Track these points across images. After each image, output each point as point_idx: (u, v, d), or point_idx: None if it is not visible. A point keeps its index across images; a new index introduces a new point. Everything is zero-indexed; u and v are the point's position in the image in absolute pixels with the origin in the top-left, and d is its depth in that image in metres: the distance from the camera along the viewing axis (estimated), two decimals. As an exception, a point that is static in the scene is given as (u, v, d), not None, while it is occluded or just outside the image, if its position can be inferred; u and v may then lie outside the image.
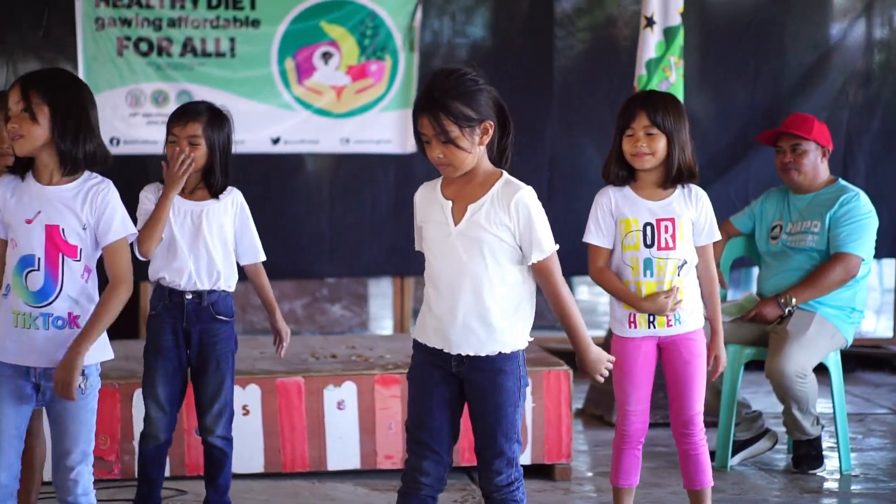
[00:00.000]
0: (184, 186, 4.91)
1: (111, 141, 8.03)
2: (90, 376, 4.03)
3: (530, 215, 3.92)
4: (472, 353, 3.94)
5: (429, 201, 3.99)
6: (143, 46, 8.17)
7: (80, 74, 8.06)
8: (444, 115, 3.85)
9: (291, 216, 8.56)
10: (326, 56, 8.38)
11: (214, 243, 4.93)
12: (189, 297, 4.92)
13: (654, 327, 4.83)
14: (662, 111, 4.76)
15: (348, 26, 8.37)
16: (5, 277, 3.96)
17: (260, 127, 8.33)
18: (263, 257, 5.08)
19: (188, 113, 4.96)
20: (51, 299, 3.94)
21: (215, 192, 4.96)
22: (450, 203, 3.94)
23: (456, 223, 3.92)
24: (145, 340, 5.04)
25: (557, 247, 3.99)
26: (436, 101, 3.86)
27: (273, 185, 8.51)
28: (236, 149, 8.16)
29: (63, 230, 3.95)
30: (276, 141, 8.38)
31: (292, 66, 8.34)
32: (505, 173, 3.98)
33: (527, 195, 3.93)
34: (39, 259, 3.93)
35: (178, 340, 4.95)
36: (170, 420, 5.01)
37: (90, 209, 3.99)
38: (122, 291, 3.98)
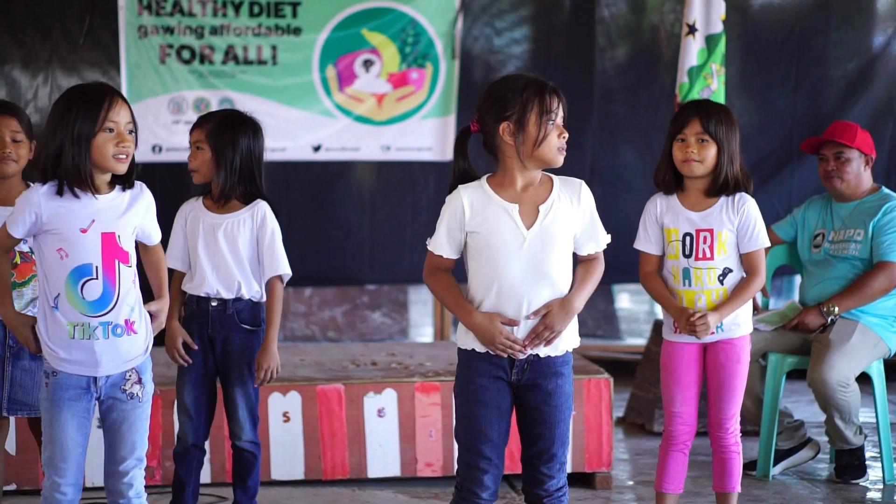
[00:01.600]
0: (210, 197, 4.96)
1: (153, 148, 8.08)
2: (146, 384, 4.05)
3: (593, 207, 4.03)
4: (545, 355, 3.95)
5: (485, 207, 3.94)
6: (186, 54, 8.21)
7: (123, 82, 8.11)
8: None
9: (332, 223, 8.57)
10: (367, 63, 8.39)
11: (231, 255, 4.93)
12: (214, 304, 4.94)
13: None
14: (716, 120, 4.78)
15: (389, 34, 8.38)
16: (55, 288, 3.93)
17: (301, 134, 8.35)
18: (282, 272, 4.98)
19: (199, 119, 5.01)
20: (109, 307, 3.94)
21: (226, 201, 4.95)
22: (516, 206, 3.93)
23: (528, 226, 3.91)
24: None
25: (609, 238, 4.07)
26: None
27: (314, 192, 8.53)
28: (277, 156, 8.26)
29: (119, 237, 3.96)
30: (317, 148, 8.39)
31: (333, 73, 8.36)
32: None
33: (586, 187, 4.03)
34: (97, 268, 3.92)
35: (205, 346, 4.97)
36: (197, 425, 5.02)
37: (140, 213, 4.03)
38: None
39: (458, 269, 4.07)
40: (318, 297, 10.68)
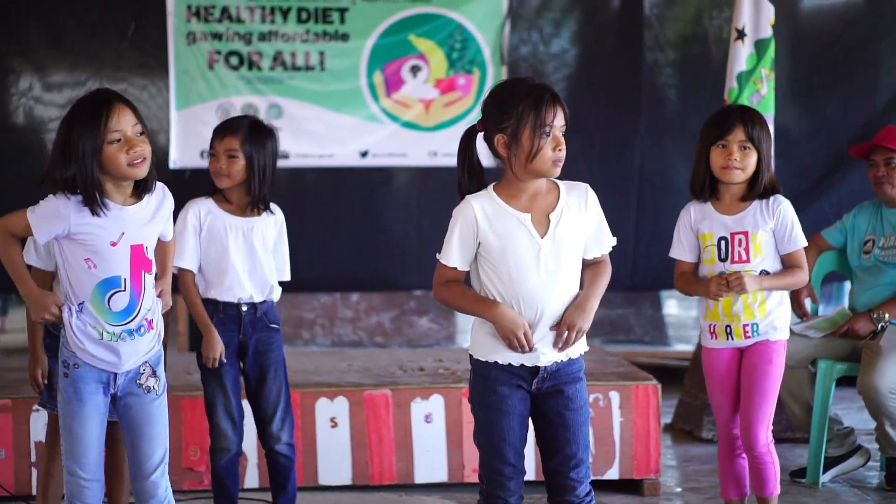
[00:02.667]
0: (232, 201, 4.97)
1: (201, 154, 8.11)
2: (160, 377, 4.07)
3: (600, 210, 4.02)
4: (563, 359, 3.95)
5: (498, 217, 3.93)
6: (234, 60, 8.25)
7: (171, 88, 8.16)
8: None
9: (379, 229, 8.59)
10: (415, 69, 8.40)
11: (265, 257, 4.99)
12: (244, 308, 4.96)
13: (732, 339, 4.83)
14: (758, 127, 4.77)
15: (437, 40, 8.39)
16: (80, 295, 3.93)
17: (348, 140, 8.38)
18: (287, 277, 5.12)
19: (228, 127, 5.00)
20: (133, 316, 3.96)
21: (254, 206, 4.98)
22: (528, 216, 3.93)
23: (542, 235, 3.90)
24: (197, 354, 5.04)
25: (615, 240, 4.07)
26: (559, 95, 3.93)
27: (361, 198, 8.54)
28: (325, 162, 8.28)
29: (146, 247, 3.98)
30: (364, 154, 8.41)
31: (381, 79, 8.38)
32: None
33: (592, 191, 4.01)
34: (125, 280, 3.93)
35: (234, 351, 4.99)
36: (240, 431, 5.05)
37: (164, 218, 4.06)
38: None
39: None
40: (365, 302, 10.68)
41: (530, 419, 4.03)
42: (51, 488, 4.90)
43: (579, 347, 4.03)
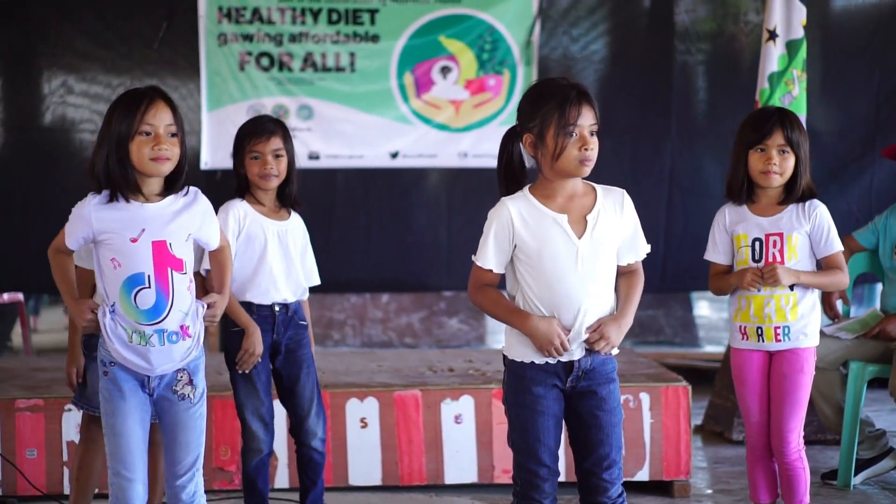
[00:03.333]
0: (263, 202, 5.00)
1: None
2: (198, 385, 4.07)
3: (636, 216, 4.01)
4: (602, 356, 3.95)
5: (534, 218, 3.92)
6: (265, 61, 8.28)
7: (203, 89, 8.20)
8: (596, 107, 3.90)
9: (409, 230, 8.60)
10: (445, 70, 8.41)
11: (298, 260, 5.02)
12: (278, 308, 4.98)
13: (763, 341, 4.80)
14: (797, 131, 4.75)
15: (467, 41, 8.40)
16: (111, 296, 3.96)
17: (379, 141, 8.39)
18: (318, 281, 5.15)
19: (266, 128, 5.01)
20: (163, 315, 3.95)
21: (290, 204, 5.03)
22: (564, 217, 3.92)
23: (579, 236, 3.90)
24: (226, 354, 5.05)
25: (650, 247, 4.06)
26: (590, 93, 3.90)
27: (391, 199, 8.56)
28: (355, 163, 8.30)
29: (170, 244, 3.97)
30: (394, 155, 8.42)
31: (411, 80, 8.39)
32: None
33: (628, 196, 4.00)
34: (149, 276, 3.93)
35: (266, 353, 5.00)
36: (272, 432, 5.05)
37: (193, 219, 4.04)
38: None
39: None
40: (395, 303, 10.70)
41: (564, 420, 4.03)
42: (82, 482, 4.93)
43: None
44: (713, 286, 4.97)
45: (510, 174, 4.00)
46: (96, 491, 5.02)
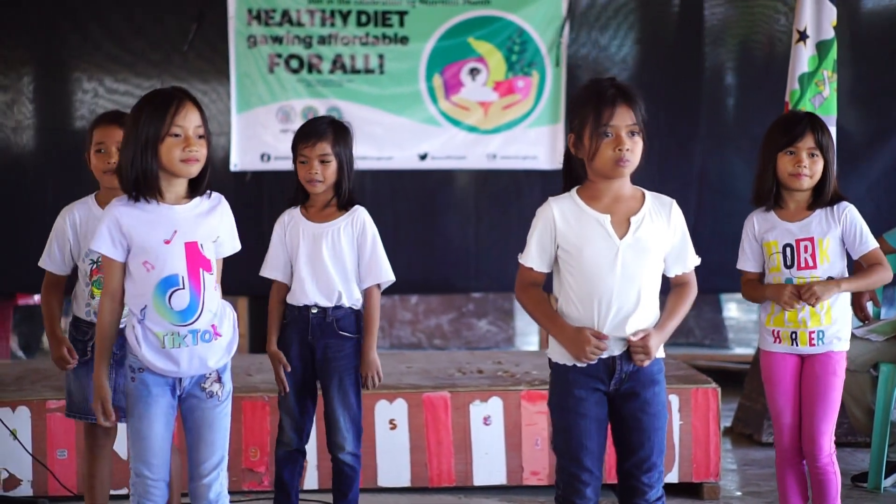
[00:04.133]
0: (313, 205, 4.98)
1: (262, 157, 8.16)
2: (225, 383, 4.08)
3: (684, 227, 4.00)
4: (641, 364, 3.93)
5: (576, 218, 3.93)
6: (294, 63, 8.29)
7: (232, 91, 8.22)
8: (639, 106, 3.89)
9: (438, 231, 8.60)
10: (474, 72, 8.41)
11: (332, 264, 4.93)
12: (314, 311, 4.97)
13: (797, 345, 4.76)
14: (826, 135, 4.74)
15: (496, 42, 8.40)
16: (142, 300, 3.96)
17: (408, 143, 8.40)
18: (385, 279, 5.00)
19: (315, 132, 4.98)
20: (196, 315, 3.96)
21: (343, 206, 4.98)
22: (607, 217, 3.92)
23: (621, 237, 3.89)
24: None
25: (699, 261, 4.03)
26: (632, 91, 3.90)
27: (420, 200, 8.56)
28: (384, 165, 8.31)
29: (201, 245, 3.98)
30: (423, 157, 8.43)
31: (440, 82, 8.39)
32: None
33: (677, 206, 4.00)
34: (183, 278, 3.94)
35: (305, 352, 4.99)
36: (299, 428, 5.02)
37: (219, 222, 4.05)
38: None
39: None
40: (424, 304, 10.72)
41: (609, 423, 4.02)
42: (97, 489, 4.94)
43: (661, 350, 4.01)
44: (747, 294, 4.93)
45: (570, 173, 4.01)
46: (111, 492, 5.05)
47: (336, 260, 4.94)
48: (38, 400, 5.80)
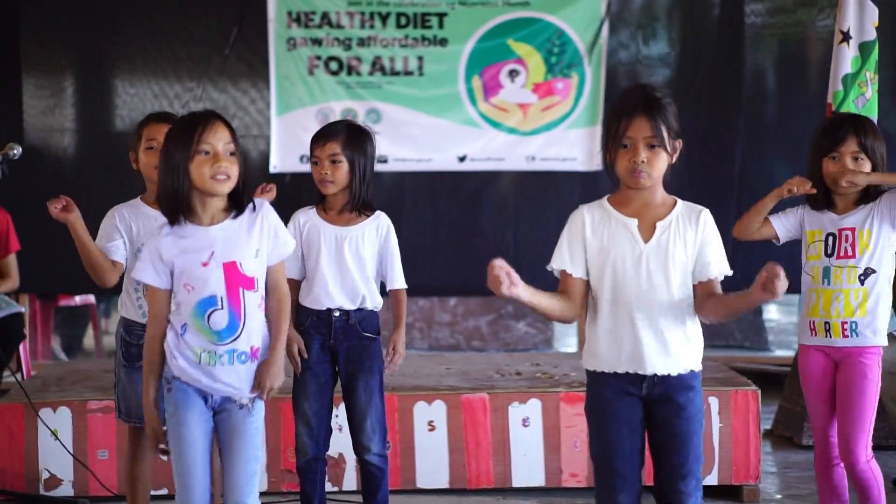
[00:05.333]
0: (332, 208, 4.98)
1: (301, 158, 8.19)
2: (256, 398, 4.07)
3: (715, 233, 3.95)
4: (669, 373, 3.90)
5: (604, 222, 3.94)
6: (333, 66, 8.31)
7: (272, 93, 8.25)
8: (662, 118, 3.85)
9: (477, 233, 8.60)
10: (513, 74, 8.41)
11: (355, 267, 4.94)
12: (336, 314, 4.96)
13: (830, 336, 4.75)
14: (871, 136, 4.72)
15: (535, 44, 8.39)
16: (183, 318, 3.97)
17: (447, 145, 8.41)
18: (401, 286, 5.04)
19: (327, 133, 4.99)
20: (236, 335, 3.97)
21: (356, 209, 4.98)
22: (635, 221, 3.92)
23: (646, 240, 3.89)
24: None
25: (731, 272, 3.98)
26: (656, 103, 3.86)
27: (459, 202, 8.56)
28: (423, 167, 8.31)
29: (240, 264, 3.97)
30: (462, 158, 8.43)
31: (479, 83, 8.39)
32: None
33: (709, 214, 3.96)
34: (222, 298, 3.94)
35: (325, 356, 4.99)
36: (316, 435, 5.01)
37: (261, 233, 4.02)
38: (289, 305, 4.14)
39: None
40: (462, 306, 10.71)
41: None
42: (139, 490, 4.97)
43: (688, 363, 3.94)
44: (740, 223, 5.03)
45: (611, 176, 4.03)
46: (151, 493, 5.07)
47: (359, 263, 4.95)
48: (79, 400, 5.84)
